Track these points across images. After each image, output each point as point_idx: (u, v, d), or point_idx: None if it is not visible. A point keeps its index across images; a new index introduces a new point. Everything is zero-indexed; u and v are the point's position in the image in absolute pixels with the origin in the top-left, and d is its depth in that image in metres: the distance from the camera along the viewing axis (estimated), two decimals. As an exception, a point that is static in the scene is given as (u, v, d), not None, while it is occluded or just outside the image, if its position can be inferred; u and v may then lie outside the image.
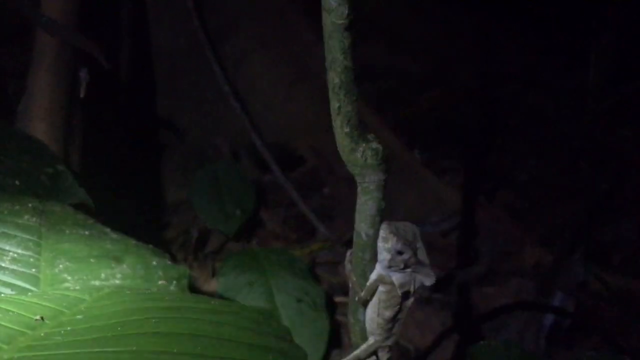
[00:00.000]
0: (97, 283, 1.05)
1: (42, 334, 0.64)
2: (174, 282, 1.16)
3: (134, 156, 2.76)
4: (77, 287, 1.02)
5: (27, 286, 0.97)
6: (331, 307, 2.53)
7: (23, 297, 0.72)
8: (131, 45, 2.64)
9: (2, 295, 0.79)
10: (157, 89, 3.01)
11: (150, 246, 1.31)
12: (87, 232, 1.22)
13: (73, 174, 1.70)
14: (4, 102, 1.88)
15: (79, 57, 1.94)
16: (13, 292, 0.94)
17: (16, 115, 1.78)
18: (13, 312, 0.67)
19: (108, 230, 1.31)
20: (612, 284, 2.44)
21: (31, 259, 1.04)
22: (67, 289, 1.00)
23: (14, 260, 1.01)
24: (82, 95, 1.92)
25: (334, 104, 0.81)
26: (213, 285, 2.67)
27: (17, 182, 1.50)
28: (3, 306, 0.68)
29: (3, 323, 0.65)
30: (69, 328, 0.65)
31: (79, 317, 0.68)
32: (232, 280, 2.33)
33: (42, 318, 0.67)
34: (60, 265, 1.05)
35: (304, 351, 0.72)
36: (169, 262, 1.24)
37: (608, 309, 2.35)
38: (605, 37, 3.25)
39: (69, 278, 1.03)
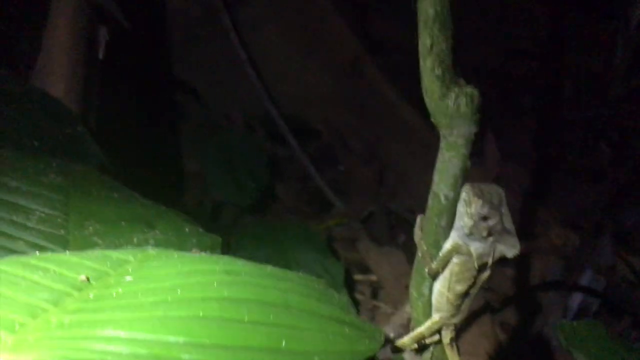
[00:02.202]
0: (129, 247, 0.97)
1: (90, 296, 0.56)
2: (208, 250, 1.09)
3: (150, 120, 2.68)
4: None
5: (56, 248, 0.90)
6: (349, 285, 2.47)
7: (62, 256, 0.65)
8: (148, 8, 2.53)
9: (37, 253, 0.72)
10: (172, 54, 2.91)
11: (182, 213, 1.24)
12: (115, 195, 1.14)
13: (92, 135, 1.62)
14: (20, 58, 1.78)
15: (98, 16, 1.85)
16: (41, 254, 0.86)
17: (32, 73, 1.69)
18: (54, 271, 0.60)
19: (137, 194, 1.24)
20: (638, 268, 2.37)
21: (59, 220, 0.96)
22: (99, 252, 0.93)
23: (40, 220, 0.94)
24: (100, 56, 1.82)
25: (425, 41, 0.71)
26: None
27: (35, 143, 1.43)
28: (42, 264, 0.61)
29: (45, 282, 0.57)
30: (120, 290, 0.57)
31: (128, 278, 0.61)
32: (250, 254, 2.26)
33: (87, 278, 0.60)
34: (90, 228, 0.97)
35: (379, 329, 0.64)
36: (201, 230, 1.16)
37: (635, 293, 2.28)
38: (634, 20, 3.14)
39: (100, 242, 0.95)
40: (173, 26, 2.95)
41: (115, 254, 0.67)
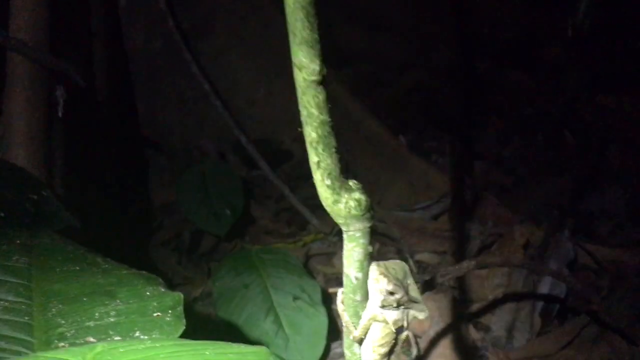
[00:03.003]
0: (91, 324, 1.05)
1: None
2: (170, 311, 1.16)
3: (118, 166, 2.74)
4: (72, 331, 1.02)
5: (21, 336, 0.97)
6: (327, 299, 2.56)
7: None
8: (107, 52, 2.59)
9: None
10: (136, 93, 2.97)
11: (144, 272, 1.31)
12: (77, 267, 1.21)
13: (57, 197, 1.69)
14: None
15: (54, 76, 1.91)
16: (7, 345, 0.94)
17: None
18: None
19: (99, 259, 1.31)
20: (601, 257, 2.48)
21: (23, 306, 1.04)
22: (62, 334, 1.01)
23: (5, 309, 1.01)
24: (60, 114, 1.89)
25: (313, 158, 0.81)
26: (209, 286, 2.68)
27: (2, 214, 1.49)
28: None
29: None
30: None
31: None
32: (228, 283, 2.34)
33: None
34: (53, 310, 1.05)
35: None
36: (163, 290, 1.24)
37: (598, 282, 2.38)
38: (581, 9, 3.24)
39: (63, 322, 1.03)
40: (135, 64, 3.01)
41: (66, 357, 0.74)
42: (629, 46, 3.26)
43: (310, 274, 2.62)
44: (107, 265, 1.28)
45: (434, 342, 2.37)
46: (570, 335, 2.20)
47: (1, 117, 1.79)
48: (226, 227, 2.83)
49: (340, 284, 2.90)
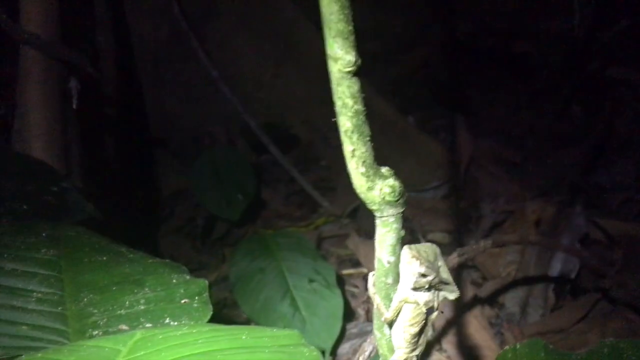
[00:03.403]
0: (122, 312, 1.08)
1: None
2: (196, 297, 1.19)
3: (131, 156, 2.76)
4: (104, 320, 1.04)
5: (56, 325, 1.00)
6: (341, 281, 2.59)
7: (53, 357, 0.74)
8: (113, 42, 2.59)
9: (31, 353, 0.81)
10: (144, 82, 2.98)
11: (168, 261, 1.33)
12: (104, 258, 1.24)
13: (77, 189, 1.71)
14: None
15: (67, 68, 1.92)
16: (44, 335, 0.96)
17: (12, 135, 1.77)
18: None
19: (124, 249, 1.33)
20: (612, 231, 2.49)
21: (55, 297, 1.07)
22: (95, 323, 1.03)
23: (39, 300, 1.04)
24: (74, 106, 1.90)
25: (347, 147, 0.82)
26: (224, 270, 2.71)
27: (25, 207, 1.52)
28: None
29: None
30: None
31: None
32: (244, 268, 2.37)
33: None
34: (85, 299, 1.08)
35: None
36: (188, 277, 1.26)
37: (610, 256, 2.40)
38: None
39: (95, 311, 1.06)
40: (143, 52, 3.01)
41: (107, 344, 0.77)
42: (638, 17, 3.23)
43: (324, 256, 2.65)
44: (132, 255, 1.30)
45: (448, 321, 2.40)
46: (583, 310, 2.22)
47: (16, 111, 1.80)
48: (239, 212, 2.85)
49: (353, 265, 2.93)
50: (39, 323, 1.00)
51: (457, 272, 2.60)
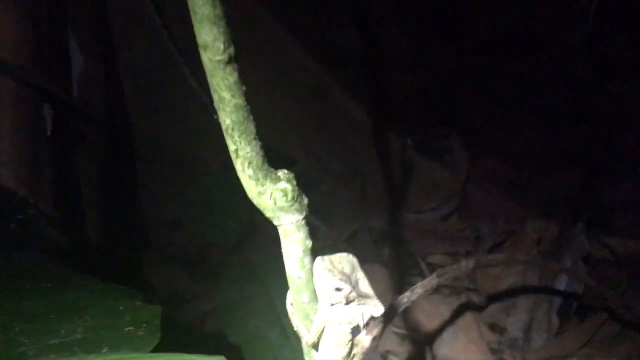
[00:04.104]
0: (56, 342, 1.01)
1: None
2: (144, 325, 1.12)
3: (120, 183, 2.72)
4: (34, 350, 0.98)
5: (-19, 357, 0.94)
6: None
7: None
8: (102, 68, 2.58)
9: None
10: (136, 110, 2.96)
11: (122, 287, 1.27)
12: (49, 285, 1.17)
13: (46, 216, 1.66)
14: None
15: (41, 94, 1.90)
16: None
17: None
18: None
19: (75, 276, 1.27)
20: (619, 250, 2.36)
21: (-15, 326, 1.00)
22: (23, 354, 0.97)
23: (-34, 330, 0.98)
24: (49, 132, 1.87)
25: (231, 147, 0.75)
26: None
27: (-15, 235, 1.47)
28: None
29: None
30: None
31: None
32: (233, 296, 2.30)
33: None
34: (17, 329, 1.01)
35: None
36: (139, 303, 1.19)
37: (616, 276, 2.27)
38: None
39: (26, 341, 0.99)
40: (134, 79, 3.00)
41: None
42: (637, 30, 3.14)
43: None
44: (82, 282, 1.24)
45: (448, 347, 2.28)
46: (589, 333, 2.10)
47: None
48: (232, 239, 2.79)
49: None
50: (-40, 354, 0.93)
51: (457, 296, 2.49)
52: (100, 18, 2.56)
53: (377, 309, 0.87)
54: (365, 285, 0.88)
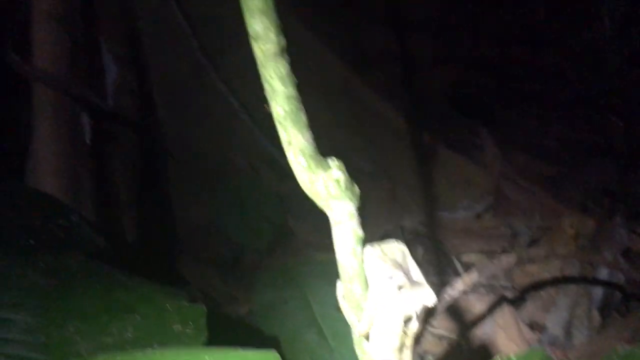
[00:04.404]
0: (109, 340, 1.03)
1: None
2: (191, 323, 1.14)
3: (152, 188, 2.77)
4: (89, 348, 1.00)
5: (36, 356, 0.96)
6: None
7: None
8: (133, 76, 2.63)
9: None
10: (166, 115, 3.00)
11: (168, 288, 1.29)
12: (99, 286, 1.20)
13: (87, 222, 1.70)
14: (13, 160, 1.89)
15: (80, 103, 1.94)
16: (23, 366, 0.93)
17: (25, 173, 1.79)
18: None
19: (123, 277, 1.29)
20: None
21: (40, 326, 1.03)
22: (78, 352, 0.99)
23: (23, 330, 1.00)
24: (87, 140, 1.91)
25: (283, 137, 0.76)
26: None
27: (31, 242, 1.50)
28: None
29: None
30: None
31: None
32: (267, 298, 2.30)
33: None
34: (70, 327, 1.04)
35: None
36: (185, 303, 1.21)
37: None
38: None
39: (80, 340, 1.01)
40: (165, 86, 3.05)
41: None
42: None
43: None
44: (129, 282, 1.26)
45: (486, 346, 2.26)
46: (632, 328, 2.05)
47: (29, 148, 1.82)
48: (265, 241, 2.81)
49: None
50: (19, 353, 0.96)
51: (494, 294, 2.47)
52: (131, 28, 2.61)
53: (430, 297, 0.86)
54: (416, 273, 0.87)
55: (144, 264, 2.04)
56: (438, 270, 2.68)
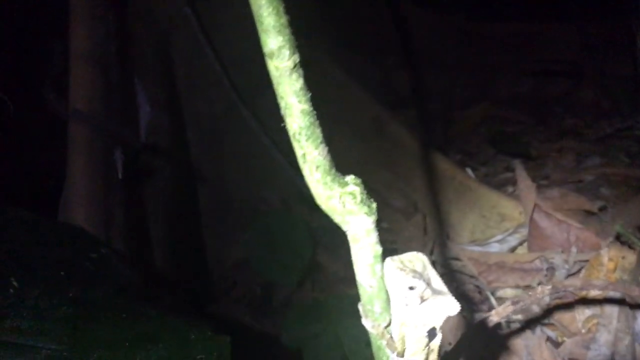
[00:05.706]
0: (132, 370, 1.03)
1: None
2: (214, 354, 1.13)
3: (185, 222, 2.80)
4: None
5: (60, 383, 0.96)
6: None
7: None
8: (167, 115, 2.70)
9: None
10: (201, 154, 3.06)
11: (192, 319, 1.29)
12: (124, 315, 1.21)
13: (118, 255, 1.72)
14: (48, 195, 1.94)
15: (112, 140, 1.99)
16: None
17: (59, 206, 1.83)
18: None
19: (149, 308, 1.30)
20: None
21: (65, 354, 1.04)
22: (101, 380, 0.99)
23: (46, 357, 1.01)
24: (119, 175, 1.96)
25: (298, 152, 0.76)
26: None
27: (62, 273, 1.53)
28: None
29: None
30: None
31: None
32: (297, 333, 2.28)
33: None
34: (95, 356, 1.04)
35: None
36: (210, 334, 1.20)
37: None
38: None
39: (103, 368, 1.01)
40: (198, 126, 3.11)
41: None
42: None
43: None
44: (154, 313, 1.26)
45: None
46: (679, 366, 1.94)
47: (64, 183, 1.87)
48: (295, 277, 2.79)
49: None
50: (42, 381, 0.97)
51: (532, 330, 2.38)
52: (165, 68, 2.69)
53: (453, 306, 0.83)
54: (438, 282, 0.85)
55: (172, 297, 2.05)
56: (472, 305, 2.61)
